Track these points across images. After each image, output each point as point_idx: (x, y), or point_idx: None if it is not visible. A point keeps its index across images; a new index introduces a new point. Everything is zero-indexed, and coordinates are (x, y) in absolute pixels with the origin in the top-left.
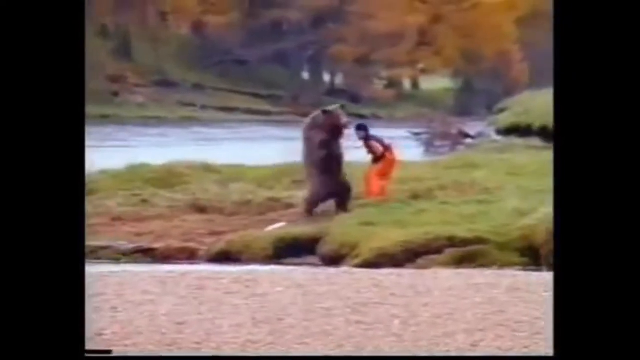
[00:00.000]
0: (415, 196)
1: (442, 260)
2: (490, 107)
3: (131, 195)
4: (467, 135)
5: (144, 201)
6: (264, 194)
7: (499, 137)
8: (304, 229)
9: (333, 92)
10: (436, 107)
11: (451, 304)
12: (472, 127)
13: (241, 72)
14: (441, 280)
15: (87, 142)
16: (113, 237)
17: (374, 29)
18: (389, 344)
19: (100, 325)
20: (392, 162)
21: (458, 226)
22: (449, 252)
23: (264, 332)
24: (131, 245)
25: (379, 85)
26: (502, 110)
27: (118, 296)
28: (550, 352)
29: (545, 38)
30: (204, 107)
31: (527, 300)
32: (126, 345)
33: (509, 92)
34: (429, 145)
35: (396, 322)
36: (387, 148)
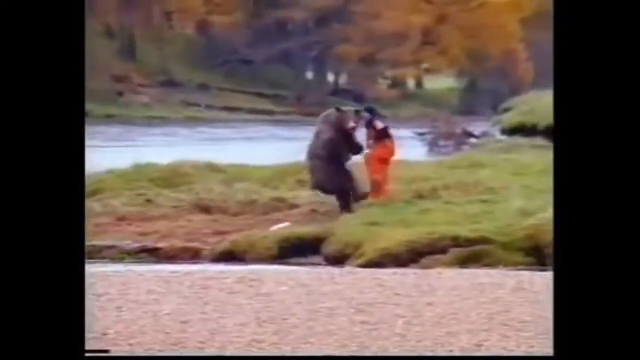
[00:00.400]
0: (420, 196)
1: (447, 260)
2: (495, 106)
3: (136, 195)
4: (471, 135)
5: (149, 201)
6: (269, 194)
7: (504, 137)
8: (308, 229)
9: (337, 92)
10: (441, 107)
11: (456, 304)
12: (477, 127)
13: (246, 72)
14: (446, 280)
15: (93, 142)
16: (118, 236)
17: (379, 28)
18: (393, 344)
19: (105, 324)
20: (392, 150)
21: (463, 226)
22: (454, 252)
23: (269, 331)
24: (136, 245)
25: (383, 85)
26: (507, 110)
27: (122, 296)
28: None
29: (550, 38)
30: (209, 107)
31: (532, 300)
32: (131, 345)
33: (514, 91)
34: (433, 145)
35: (400, 322)
36: (387, 132)
